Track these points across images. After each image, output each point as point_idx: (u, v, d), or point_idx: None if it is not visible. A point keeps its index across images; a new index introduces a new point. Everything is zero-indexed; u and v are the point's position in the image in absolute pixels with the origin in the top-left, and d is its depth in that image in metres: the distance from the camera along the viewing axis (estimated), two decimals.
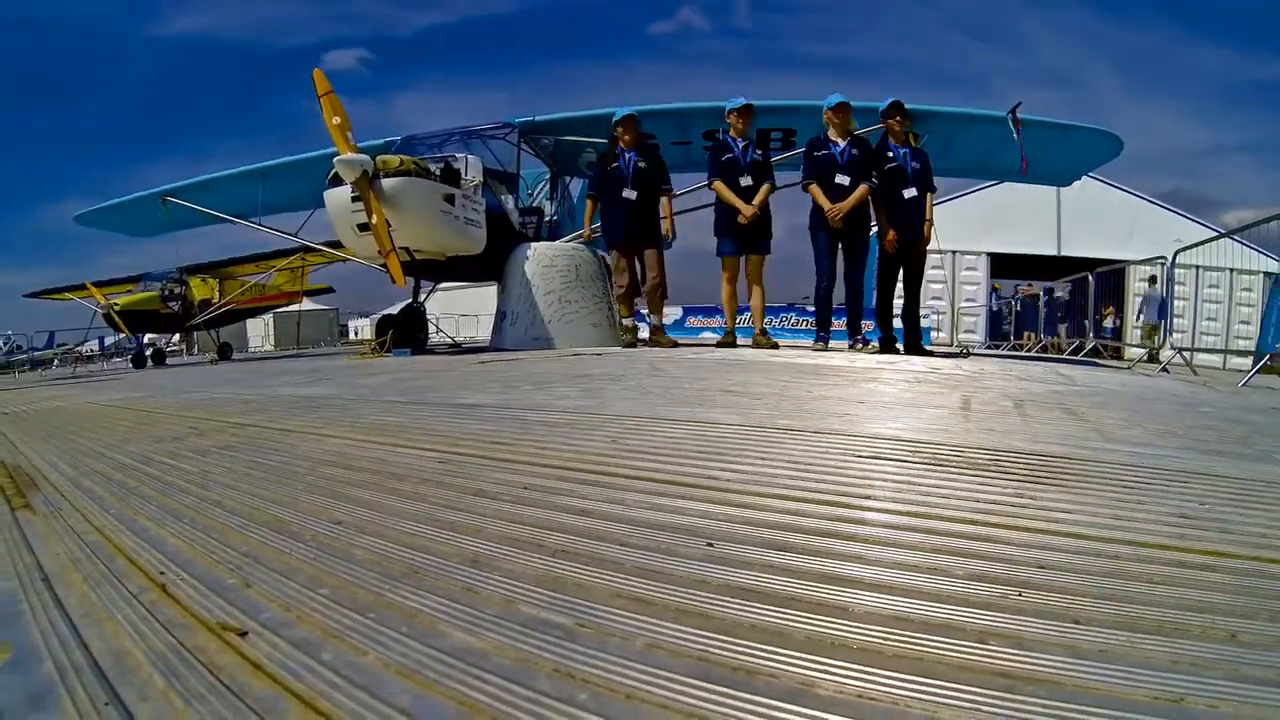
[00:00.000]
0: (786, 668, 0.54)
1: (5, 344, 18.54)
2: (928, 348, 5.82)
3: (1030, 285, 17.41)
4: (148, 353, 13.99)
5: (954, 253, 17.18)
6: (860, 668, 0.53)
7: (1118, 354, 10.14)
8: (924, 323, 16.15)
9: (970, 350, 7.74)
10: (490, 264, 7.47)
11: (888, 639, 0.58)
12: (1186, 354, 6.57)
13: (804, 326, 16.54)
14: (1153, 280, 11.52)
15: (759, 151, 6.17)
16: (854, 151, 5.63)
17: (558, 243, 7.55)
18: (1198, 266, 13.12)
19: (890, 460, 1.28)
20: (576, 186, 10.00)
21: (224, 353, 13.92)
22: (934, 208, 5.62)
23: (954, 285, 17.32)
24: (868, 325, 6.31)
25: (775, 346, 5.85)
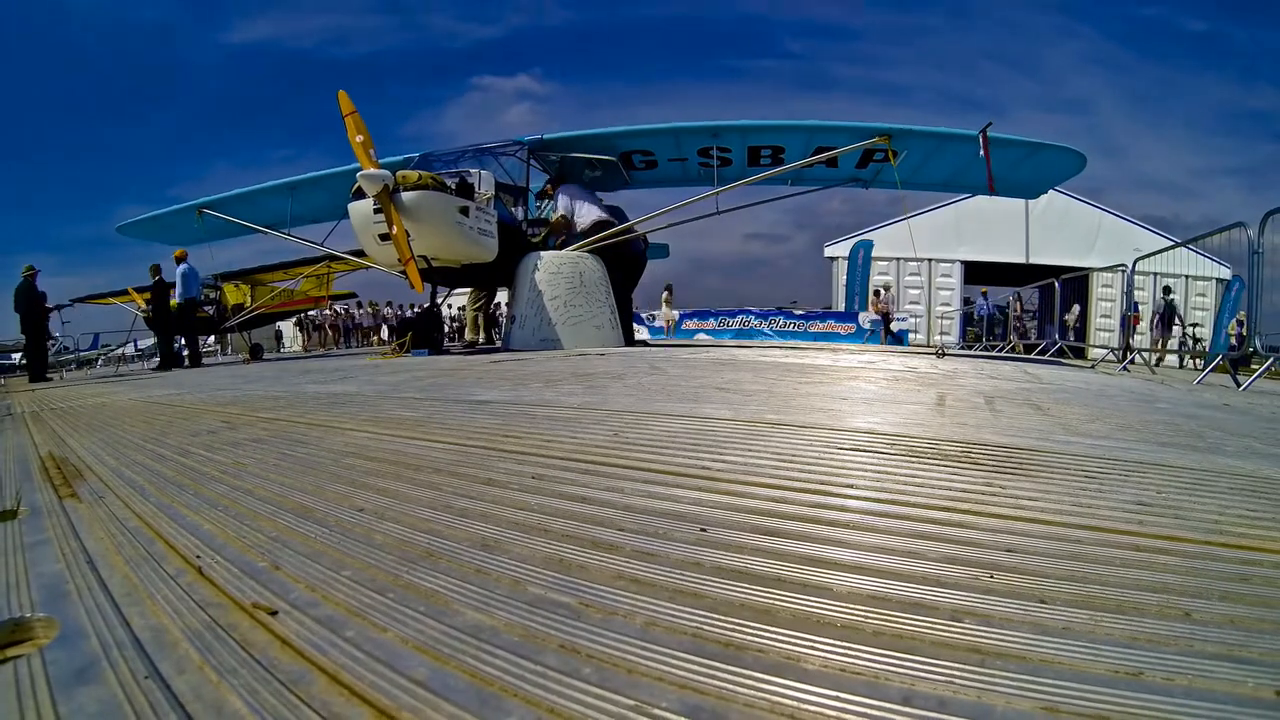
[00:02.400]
0: (774, 643, 0.54)
1: (53, 345, 18.53)
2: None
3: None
4: (184, 353, 13.95)
5: (930, 260, 17.20)
6: (842, 643, 0.53)
7: (1080, 354, 10.14)
8: (903, 325, 16.24)
9: (946, 350, 7.73)
10: (501, 271, 7.49)
11: (868, 617, 0.58)
12: (1145, 354, 6.57)
13: (789, 328, 16.57)
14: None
15: None
16: None
17: (564, 251, 7.56)
18: (1155, 273, 13.14)
19: (869, 452, 1.28)
20: None
21: (255, 353, 13.90)
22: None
23: (930, 290, 17.35)
24: None
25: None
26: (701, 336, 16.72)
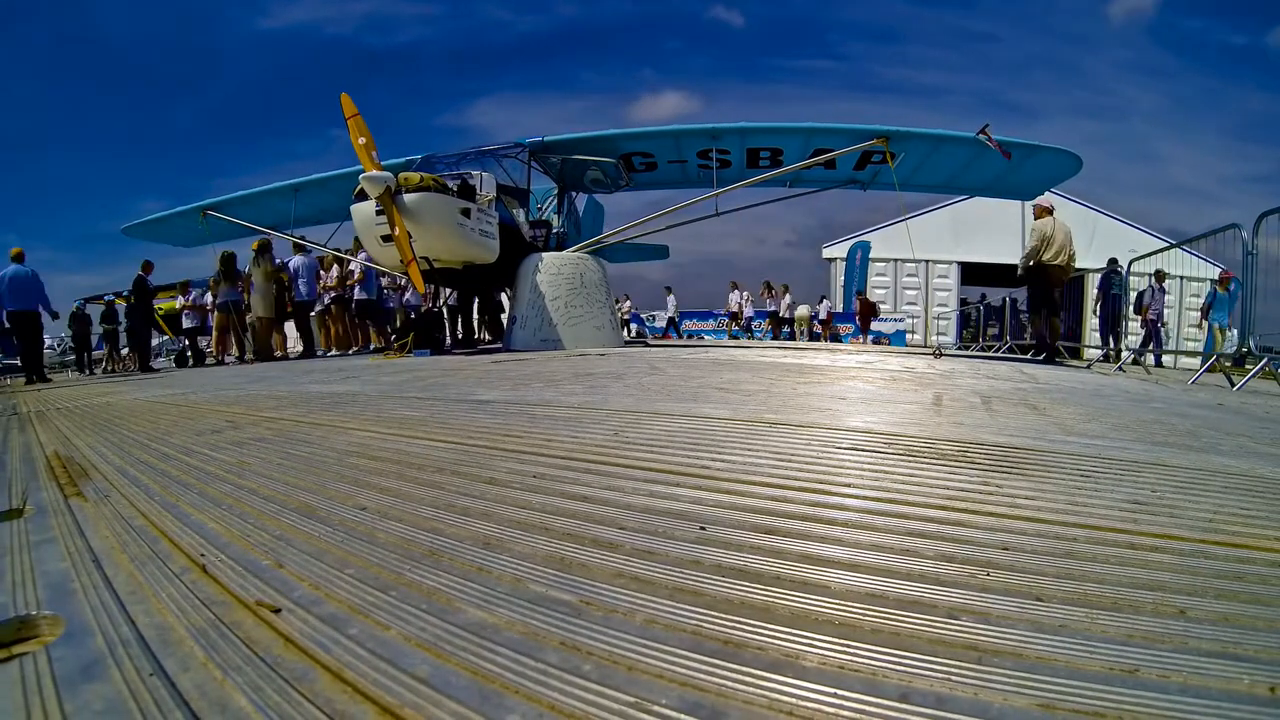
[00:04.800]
0: (773, 641, 0.54)
1: (59, 345, 18.52)
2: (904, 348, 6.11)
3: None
4: (189, 353, 13.96)
5: (927, 262, 17.22)
6: (840, 641, 0.53)
7: (1076, 354, 10.14)
8: (900, 326, 16.27)
9: (943, 351, 7.73)
10: (503, 272, 7.49)
11: (865, 615, 0.58)
12: (1139, 354, 6.57)
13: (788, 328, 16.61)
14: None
15: None
16: None
17: (565, 253, 7.57)
18: (1150, 275, 13.13)
19: (866, 451, 1.28)
20: (582, 201, 10.01)
21: (260, 353, 13.90)
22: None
23: (927, 292, 17.37)
24: None
25: None
26: (702, 337, 16.79)
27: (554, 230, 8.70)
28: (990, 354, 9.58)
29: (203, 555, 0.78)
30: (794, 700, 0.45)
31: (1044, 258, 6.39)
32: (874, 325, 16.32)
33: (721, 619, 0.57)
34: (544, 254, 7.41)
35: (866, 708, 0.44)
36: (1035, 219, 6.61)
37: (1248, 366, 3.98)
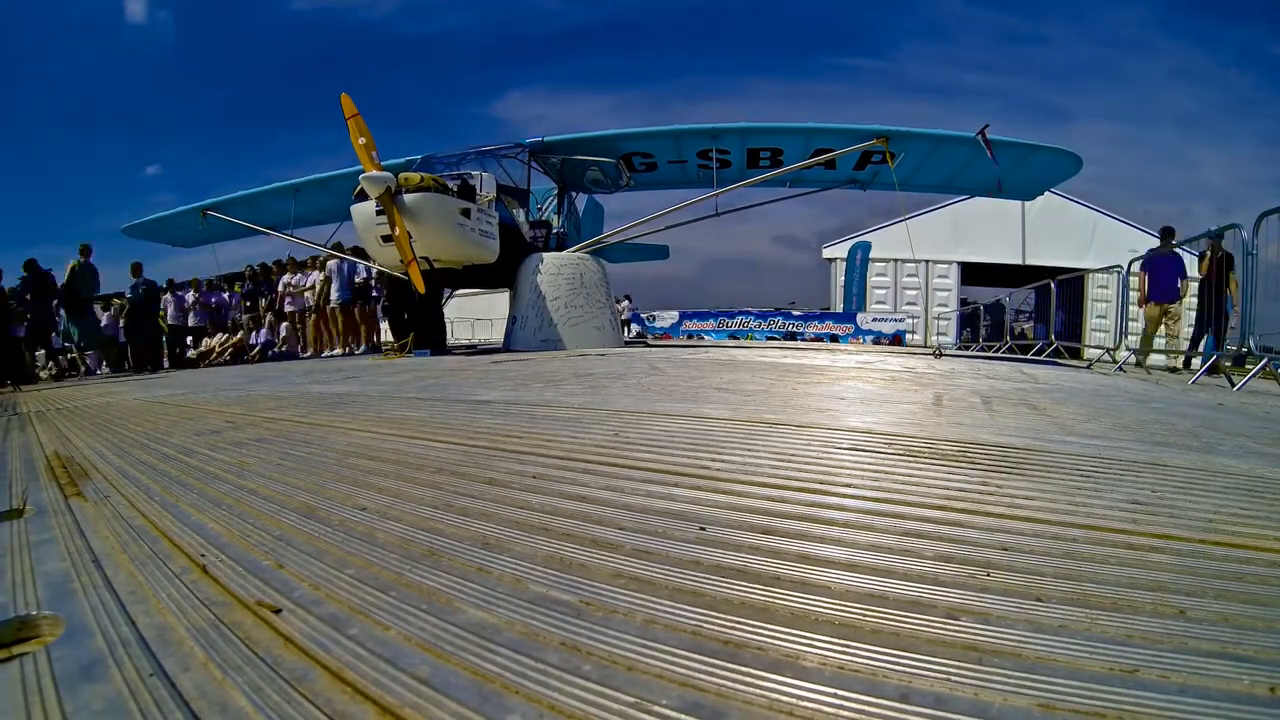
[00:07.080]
0: (773, 641, 0.54)
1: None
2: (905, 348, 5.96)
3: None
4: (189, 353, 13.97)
5: (927, 262, 17.22)
6: (840, 641, 0.53)
7: (1076, 354, 10.14)
8: (900, 325, 16.25)
9: (943, 351, 7.74)
10: (503, 272, 7.50)
11: (865, 615, 0.58)
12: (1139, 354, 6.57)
13: (788, 329, 16.64)
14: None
15: None
16: None
17: (565, 253, 7.57)
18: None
19: (866, 451, 1.28)
20: (582, 201, 10.01)
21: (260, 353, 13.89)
22: None
23: (928, 292, 17.36)
24: None
25: None
26: (702, 337, 16.81)
27: (554, 230, 8.71)
28: (990, 354, 9.58)
29: (203, 555, 0.78)
30: (794, 700, 0.45)
31: None
32: (873, 325, 16.33)
33: (721, 619, 0.57)
34: (544, 254, 7.42)
35: (866, 708, 0.44)
36: None
37: (1248, 366, 3.98)
